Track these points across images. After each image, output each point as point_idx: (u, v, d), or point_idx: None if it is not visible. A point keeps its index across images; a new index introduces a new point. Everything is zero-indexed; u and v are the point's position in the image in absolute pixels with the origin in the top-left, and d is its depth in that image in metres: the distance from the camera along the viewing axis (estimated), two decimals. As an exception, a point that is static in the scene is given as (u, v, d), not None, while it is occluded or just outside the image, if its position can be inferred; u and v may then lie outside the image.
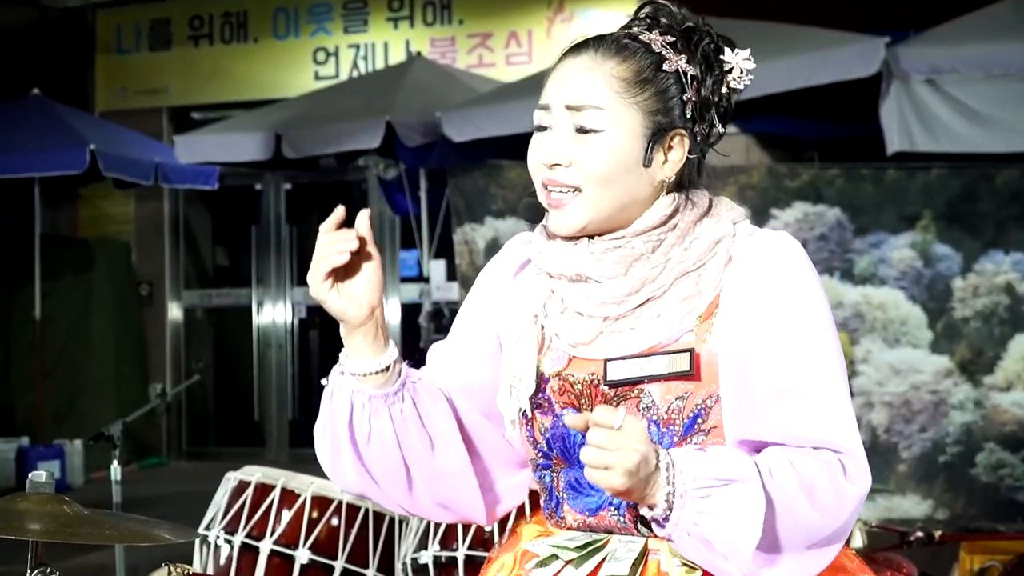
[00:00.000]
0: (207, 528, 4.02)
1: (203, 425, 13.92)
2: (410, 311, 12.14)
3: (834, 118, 8.84)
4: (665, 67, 2.05)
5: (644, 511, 1.90)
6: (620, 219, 2.06)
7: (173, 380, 13.25)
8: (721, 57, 2.09)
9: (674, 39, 2.07)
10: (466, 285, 9.57)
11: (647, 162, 2.04)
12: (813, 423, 1.96)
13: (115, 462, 6.13)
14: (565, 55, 2.09)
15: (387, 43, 12.98)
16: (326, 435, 2.19)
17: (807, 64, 7.80)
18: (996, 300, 8.32)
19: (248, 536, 3.88)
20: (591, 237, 2.06)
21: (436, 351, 2.31)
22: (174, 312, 13.80)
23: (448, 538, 3.88)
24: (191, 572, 3.07)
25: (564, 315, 2.08)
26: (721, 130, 2.12)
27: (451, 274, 10.81)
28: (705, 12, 2.15)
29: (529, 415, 2.11)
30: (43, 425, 11.79)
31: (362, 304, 2.12)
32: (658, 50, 2.06)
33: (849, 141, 8.58)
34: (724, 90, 2.10)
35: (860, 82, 7.62)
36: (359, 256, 2.07)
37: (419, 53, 11.96)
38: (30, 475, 2.74)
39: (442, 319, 10.68)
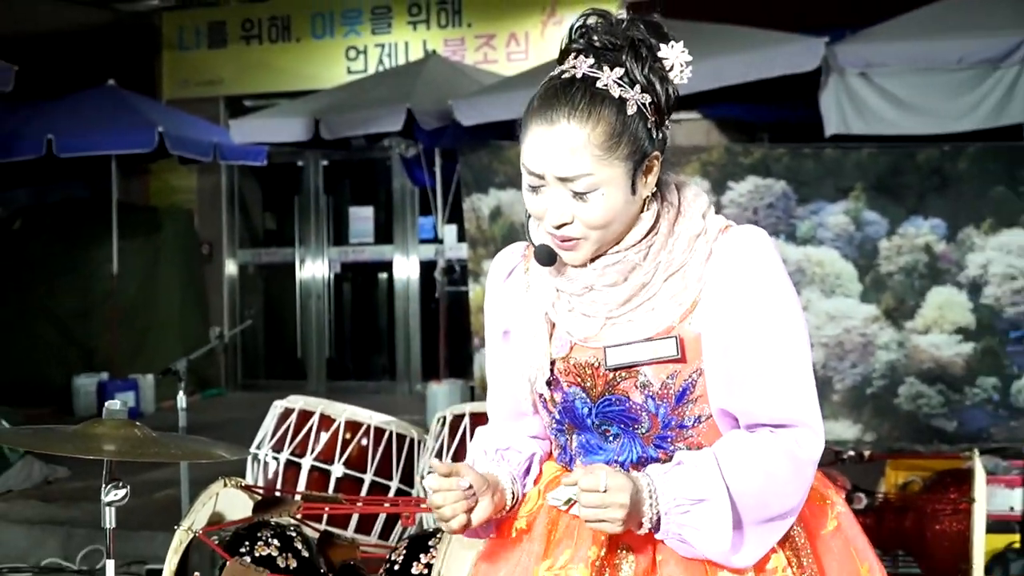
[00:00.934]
0: (257, 447, 4.01)
1: (254, 362, 13.94)
2: (427, 267, 12.19)
3: (781, 105, 8.80)
4: (628, 110, 1.96)
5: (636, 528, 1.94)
6: (616, 238, 2.03)
7: (229, 324, 13.26)
8: (662, 59, 2.00)
9: (623, 69, 1.97)
10: (473, 245, 9.58)
11: (633, 191, 2.00)
12: (778, 401, 1.97)
13: (180, 393, 6.13)
14: (538, 113, 1.99)
15: (407, 43, 12.93)
16: None
17: (759, 60, 7.78)
18: (916, 258, 8.32)
19: (292, 454, 3.88)
20: (593, 259, 2.03)
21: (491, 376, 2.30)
22: (230, 268, 13.80)
23: (459, 455, 3.88)
24: (244, 484, 3.06)
25: (572, 314, 2.07)
26: (669, 118, 2.05)
27: (461, 236, 10.81)
28: (669, 15, 2.10)
29: (551, 383, 2.10)
30: (120, 362, 11.78)
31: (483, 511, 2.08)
32: (617, 95, 1.96)
33: (794, 125, 8.55)
34: (670, 89, 2.01)
35: (804, 75, 7.59)
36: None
37: (434, 51, 11.94)
38: (106, 404, 2.73)
39: (453, 273, 10.73)
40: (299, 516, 2.98)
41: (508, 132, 9.03)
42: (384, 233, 13.08)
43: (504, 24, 12.60)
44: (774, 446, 1.95)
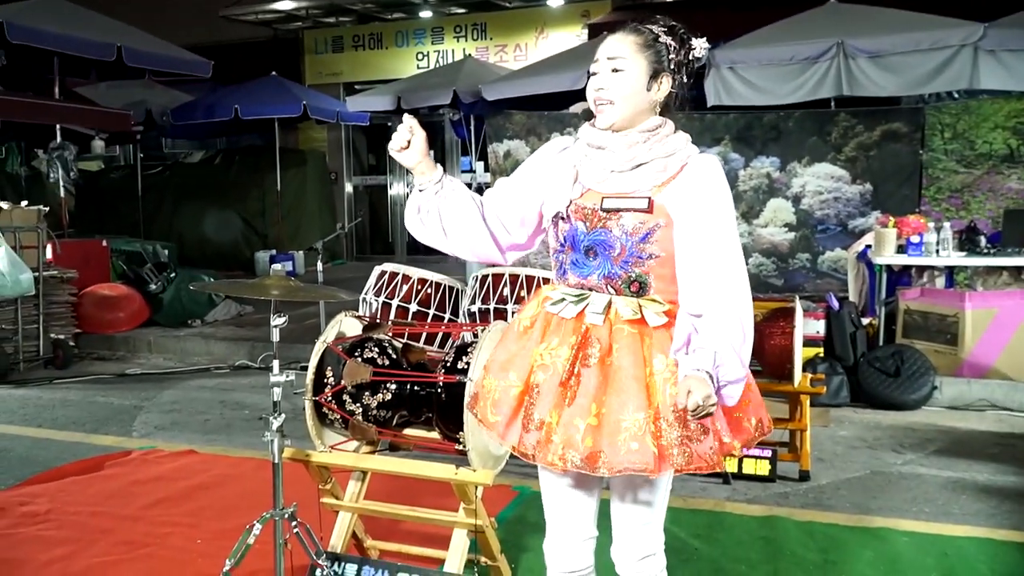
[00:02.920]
0: (365, 294, 4.00)
1: (363, 242, 13.95)
2: (466, 187, 12.08)
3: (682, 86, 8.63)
4: (660, 41, 1.95)
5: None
6: (632, 122, 1.96)
7: (348, 220, 13.27)
8: (691, 41, 1.98)
9: (665, 29, 1.97)
10: (494, 174, 9.47)
11: (648, 87, 1.95)
12: (723, 272, 1.87)
13: (319, 262, 6.13)
14: (608, 33, 2.01)
15: (453, 50, 12.75)
16: (409, 216, 2.13)
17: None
18: (761, 182, 8.23)
19: (386, 298, 3.86)
20: (614, 131, 1.98)
21: (501, 179, 2.18)
22: (348, 187, 13.76)
23: (485, 299, 3.86)
24: (357, 315, 3.04)
25: (590, 166, 1.99)
26: (687, 82, 2.00)
27: (486, 168, 10.69)
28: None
29: (567, 216, 2.01)
30: (283, 243, 11.80)
31: (415, 154, 2.05)
32: (656, 32, 1.96)
33: (688, 99, 8.40)
34: (691, 57, 1.99)
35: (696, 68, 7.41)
36: (411, 136, 2.04)
37: (470, 55, 11.71)
38: (273, 266, 2.70)
39: (481, 191, 10.52)
40: (390, 334, 2.97)
41: (516, 104, 8.88)
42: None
43: (512, 38, 12.46)
44: (737, 308, 1.86)
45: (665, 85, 1.96)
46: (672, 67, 1.96)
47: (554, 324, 2.00)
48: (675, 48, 1.96)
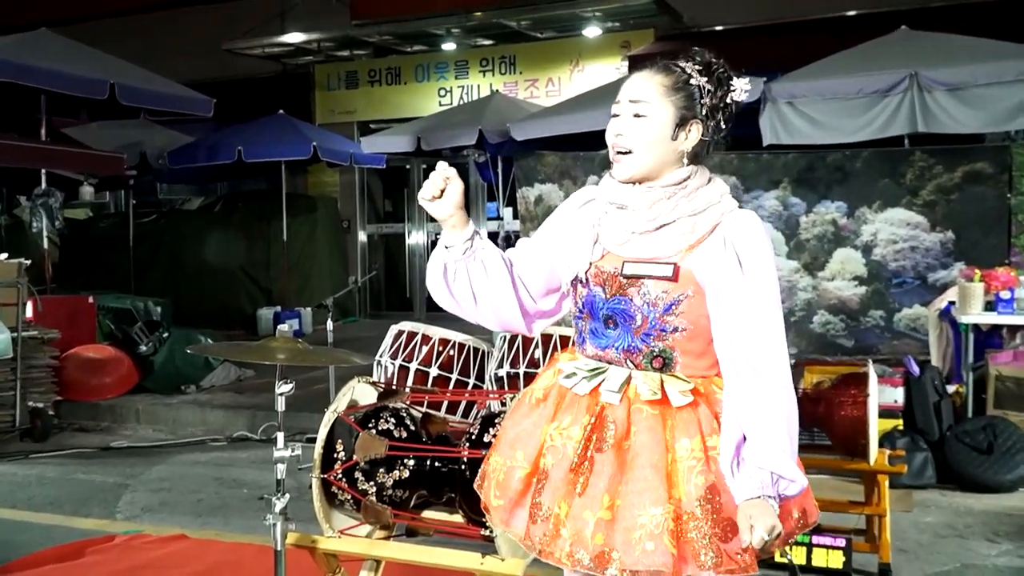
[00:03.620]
0: (380, 356, 4.00)
1: (378, 298, 14.04)
2: (492, 236, 12.08)
3: (733, 125, 8.69)
4: (691, 82, 1.94)
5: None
6: (654, 174, 1.96)
7: (361, 273, 13.38)
8: (731, 83, 1.97)
9: (700, 67, 1.96)
10: (524, 221, 9.52)
11: (674, 136, 1.94)
12: (759, 344, 1.87)
13: (329, 320, 6.16)
14: (632, 71, 2.00)
15: (479, 85, 12.92)
16: (433, 277, 2.09)
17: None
18: (826, 229, 8.21)
19: (403, 361, 3.86)
20: (635, 184, 1.97)
21: (523, 240, 2.18)
22: (361, 236, 13.89)
23: (514, 362, 3.85)
24: (371, 381, 3.05)
25: (610, 226, 1.99)
26: (724, 128, 2.00)
27: (515, 215, 10.75)
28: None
29: (585, 280, 2.01)
30: (289, 299, 11.90)
31: (448, 206, 2.00)
32: (689, 72, 1.95)
33: (741, 138, 8.42)
34: (728, 101, 1.98)
35: (749, 103, 7.47)
36: (445, 185, 2.00)
37: (497, 91, 11.89)
38: (279, 327, 2.72)
39: (510, 240, 10.67)
40: (408, 403, 2.97)
41: (548, 144, 8.97)
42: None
43: (544, 72, 12.62)
44: (779, 384, 1.86)
45: (695, 133, 1.95)
46: (705, 113, 1.95)
47: (568, 400, 1.99)
48: (710, 91, 1.95)
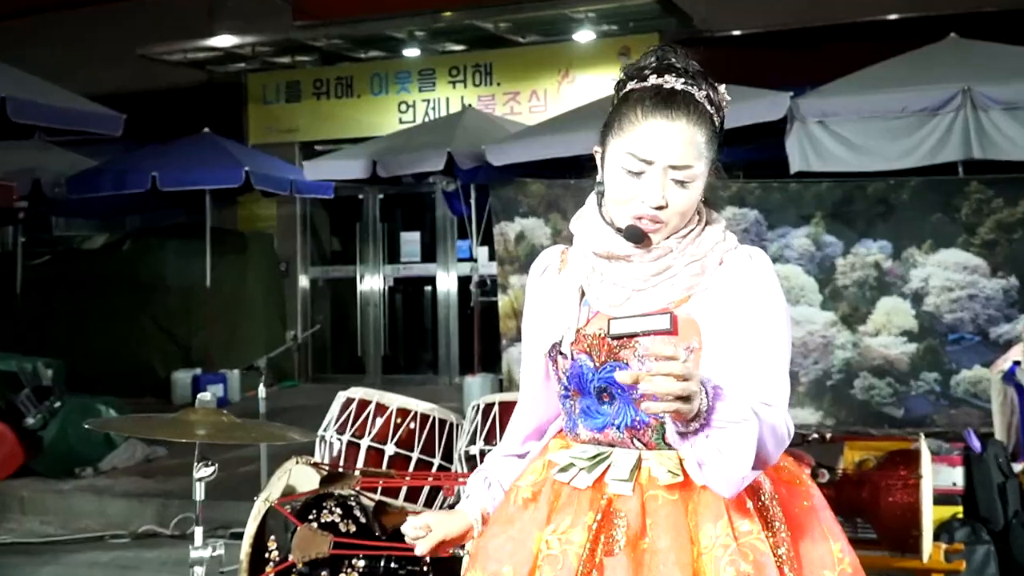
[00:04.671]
0: (324, 431, 3.97)
1: (322, 358, 13.95)
2: (463, 281, 12.21)
3: (754, 148, 8.78)
4: (715, 121, 1.99)
5: (678, 426, 1.76)
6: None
7: (302, 328, 13.28)
8: (721, 93, 2.02)
9: (706, 91, 1.98)
10: (501, 263, 9.56)
11: (704, 194, 2.00)
12: (766, 385, 1.88)
13: (261, 385, 6.12)
14: (656, 110, 1.94)
15: (448, 98, 12.99)
16: None
17: (735, 111, 7.69)
18: (867, 273, 8.27)
19: (352, 436, 3.83)
20: None
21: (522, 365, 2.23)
22: (303, 282, 13.83)
23: (490, 437, 3.84)
24: (312, 461, 3.02)
25: (603, 284, 2.00)
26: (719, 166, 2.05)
27: (491, 256, 10.76)
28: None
29: (568, 354, 2.03)
30: (212, 359, 11.82)
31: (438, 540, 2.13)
32: (711, 111, 1.98)
33: (764, 163, 8.51)
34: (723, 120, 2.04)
35: (773, 123, 7.57)
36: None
37: (470, 105, 11.97)
38: (199, 396, 2.71)
39: (485, 286, 10.72)
40: (358, 488, 2.94)
41: (531, 170, 9.03)
42: (429, 253, 13.10)
43: (527, 83, 12.70)
44: (773, 414, 1.83)
45: (712, 177, 2.01)
46: (716, 149, 2.00)
47: (564, 497, 1.98)
48: (718, 109, 2.01)
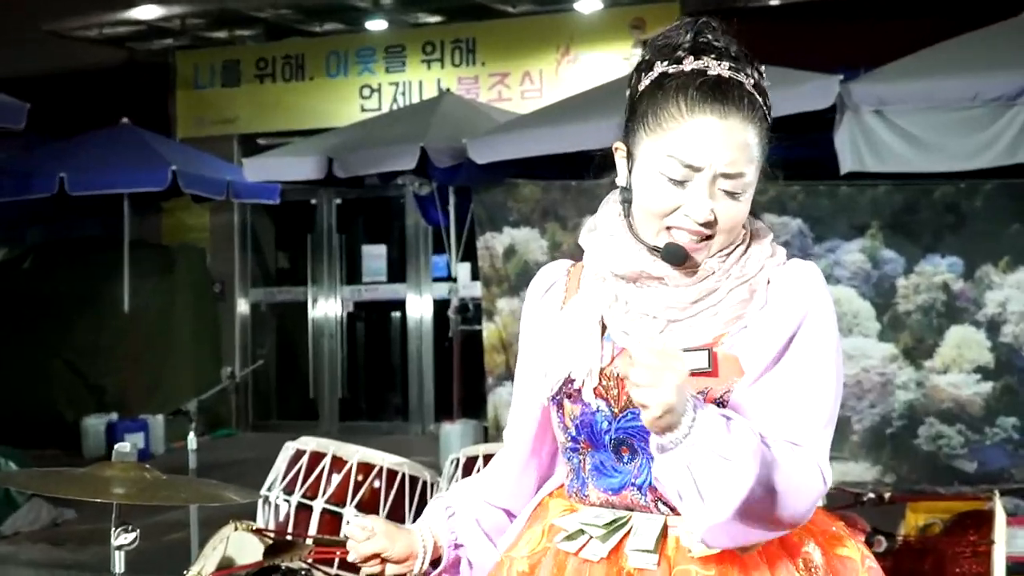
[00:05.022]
0: (268, 489, 3.99)
1: (266, 401, 13.92)
2: (440, 305, 12.18)
3: (796, 143, 8.81)
4: (767, 117, 1.98)
5: (655, 437, 1.77)
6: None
7: (241, 363, 13.25)
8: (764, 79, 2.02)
9: (754, 78, 1.98)
10: (487, 284, 9.56)
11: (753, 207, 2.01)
12: (804, 430, 1.90)
13: (191, 434, 6.11)
14: (704, 104, 1.92)
15: (421, 81, 13.00)
16: None
17: (773, 99, 7.73)
18: (934, 296, 8.29)
19: (303, 496, 3.85)
20: None
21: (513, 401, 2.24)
22: (242, 306, 13.82)
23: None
24: (254, 527, 3.04)
25: (628, 315, 1.98)
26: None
27: (475, 275, 10.79)
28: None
29: (570, 395, 2.04)
30: (130, 402, 11.79)
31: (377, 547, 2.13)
32: (761, 105, 1.97)
33: (809, 162, 8.55)
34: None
35: (818, 112, 7.59)
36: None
37: (448, 89, 11.95)
38: (116, 446, 2.72)
39: (467, 312, 10.72)
40: (310, 561, 2.95)
41: (523, 170, 9.05)
42: (397, 272, 13.08)
43: (518, 63, 12.67)
44: (799, 458, 1.86)
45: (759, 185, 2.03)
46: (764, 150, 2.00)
47: (571, 570, 2.00)
48: (767, 98, 2.01)
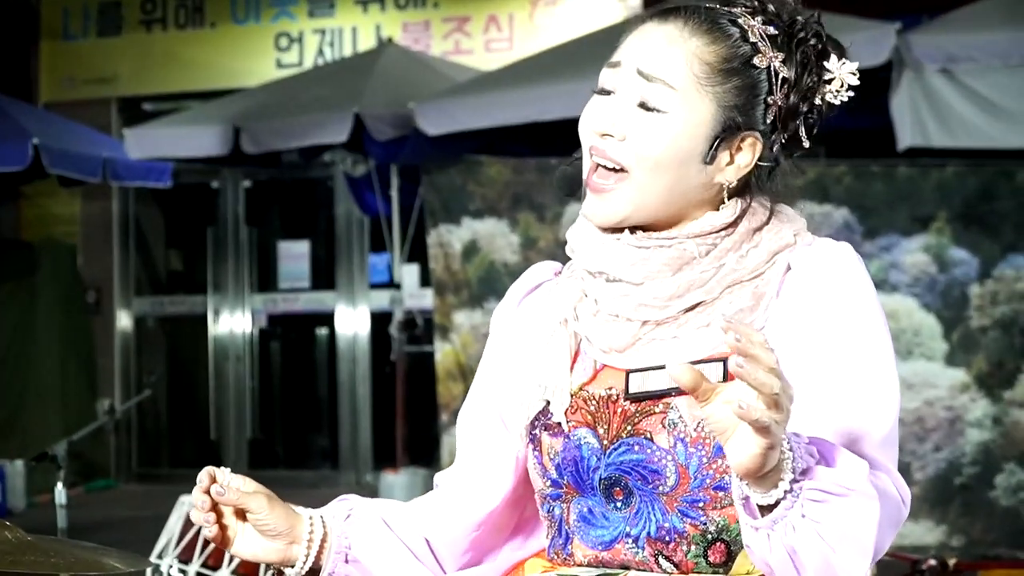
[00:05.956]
0: (160, 556, 4.01)
1: (155, 444, 13.92)
2: (380, 320, 12.16)
3: (841, 110, 8.88)
4: (756, 61, 2.01)
5: (750, 493, 1.73)
6: (667, 216, 2.02)
7: (123, 395, 13.25)
8: (824, 64, 2.05)
9: (776, 32, 2.03)
10: (441, 291, 9.55)
11: (708, 159, 2.00)
12: (860, 439, 1.90)
13: (60, 484, 6.11)
14: (651, 18, 2.04)
15: (356, 28, 13.02)
16: None
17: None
18: (1017, 308, 8.29)
19: (204, 565, 3.87)
20: (632, 231, 2.01)
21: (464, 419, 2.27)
22: (123, 321, 13.79)
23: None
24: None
25: (597, 318, 2.03)
26: (806, 143, 2.08)
27: (425, 280, 10.79)
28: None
29: (548, 427, 2.06)
30: (-19, 444, 11.78)
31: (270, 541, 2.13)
32: (753, 39, 2.02)
33: (858, 135, 8.58)
34: (818, 101, 2.06)
35: (869, 71, 7.60)
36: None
37: (390, 39, 12.00)
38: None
39: (415, 329, 10.69)
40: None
41: (486, 144, 9.06)
42: (324, 276, 13.11)
43: (481, 4, 12.75)
44: (880, 479, 1.84)
45: (747, 154, 2.05)
46: (771, 120, 2.04)
47: None
48: (786, 80, 2.03)
